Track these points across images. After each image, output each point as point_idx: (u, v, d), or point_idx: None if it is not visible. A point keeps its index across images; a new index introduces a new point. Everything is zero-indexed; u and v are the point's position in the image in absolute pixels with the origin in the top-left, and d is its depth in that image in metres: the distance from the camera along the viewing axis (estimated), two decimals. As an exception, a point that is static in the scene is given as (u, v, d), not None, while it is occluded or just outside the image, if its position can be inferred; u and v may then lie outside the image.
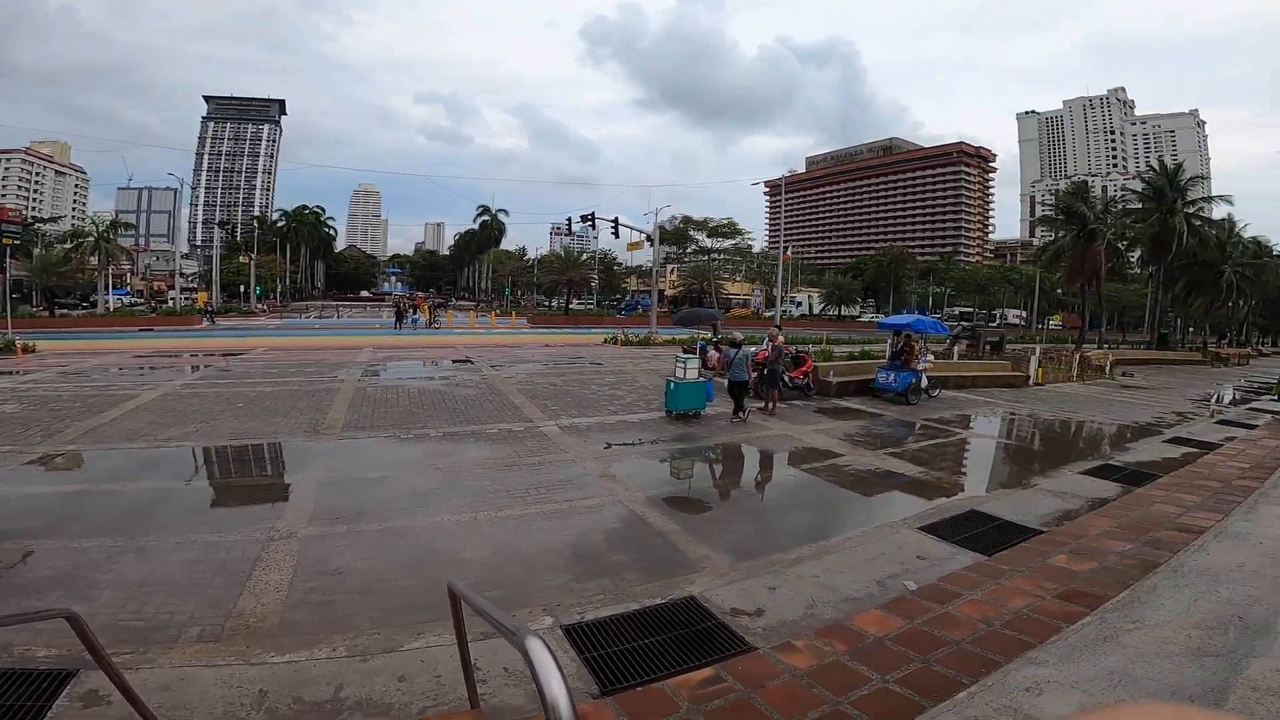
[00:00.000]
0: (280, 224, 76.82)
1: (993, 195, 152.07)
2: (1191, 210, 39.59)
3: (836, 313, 66.06)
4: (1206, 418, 13.97)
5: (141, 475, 7.11)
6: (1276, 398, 16.20)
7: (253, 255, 55.87)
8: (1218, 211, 42.45)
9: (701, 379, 11.28)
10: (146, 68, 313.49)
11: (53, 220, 69.59)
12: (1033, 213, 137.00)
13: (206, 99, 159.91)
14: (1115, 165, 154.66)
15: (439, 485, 6.90)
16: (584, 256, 62.49)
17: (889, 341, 15.16)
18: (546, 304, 64.10)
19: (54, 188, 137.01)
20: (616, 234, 31.30)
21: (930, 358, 16.07)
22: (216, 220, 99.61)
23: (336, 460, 7.86)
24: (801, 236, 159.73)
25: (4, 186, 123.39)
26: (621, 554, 5.23)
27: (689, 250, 55.81)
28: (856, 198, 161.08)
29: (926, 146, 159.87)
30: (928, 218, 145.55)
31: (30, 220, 55.27)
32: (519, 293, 70.91)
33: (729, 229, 47.94)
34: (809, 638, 3.61)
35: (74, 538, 5.13)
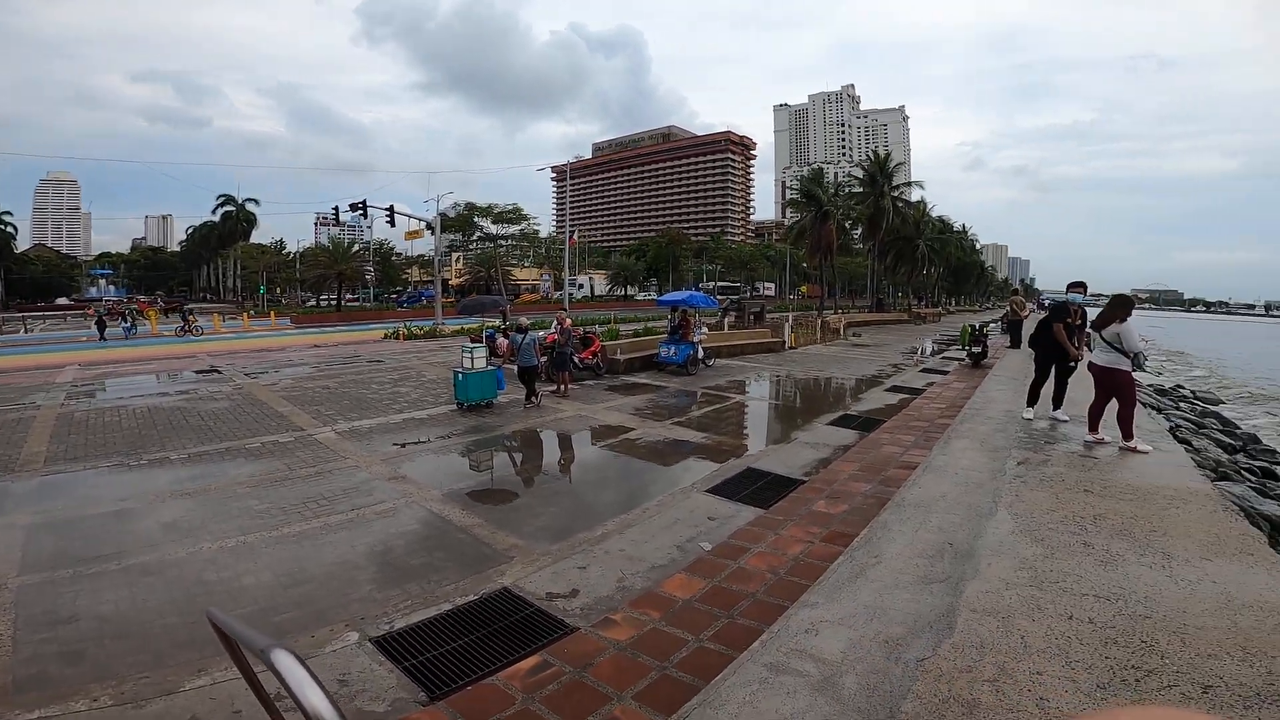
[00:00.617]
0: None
1: (753, 180, 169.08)
2: (896, 194, 47.91)
3: (623, 293, 68.85)
4: (914, 367, 17.08)
5: None
6: (962, 347, 20.34)
7: None
8: (915, 195, 52.06)
9: (491, 367, 10.92)
10: None
11: None
12: (783, 196, 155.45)
13: None
14: (844, 154, 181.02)
15: (194, 512, 5.90)
16: (355, 248, 56.96)
17: (669, 317, 16.07)
18: (313, 301, 57.50)
19: None
20: (392, 223, 28.98)
21: (705, 330, 17.39)
22: None
23: (46, 500, 6.31)
24: (589, 221, 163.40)
25: None
26: (425, 556, 4.95)
27: (474, 238, 53.65)
28: (639, 182, 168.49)
29: (700, 135, 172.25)
30: (700, 201, 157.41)
31: None
32: (278, 290, 62.58)
33: (515, 215, 46.97)
34: (626, 610, 3.74)
35: None
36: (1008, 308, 21.58)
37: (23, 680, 3.33)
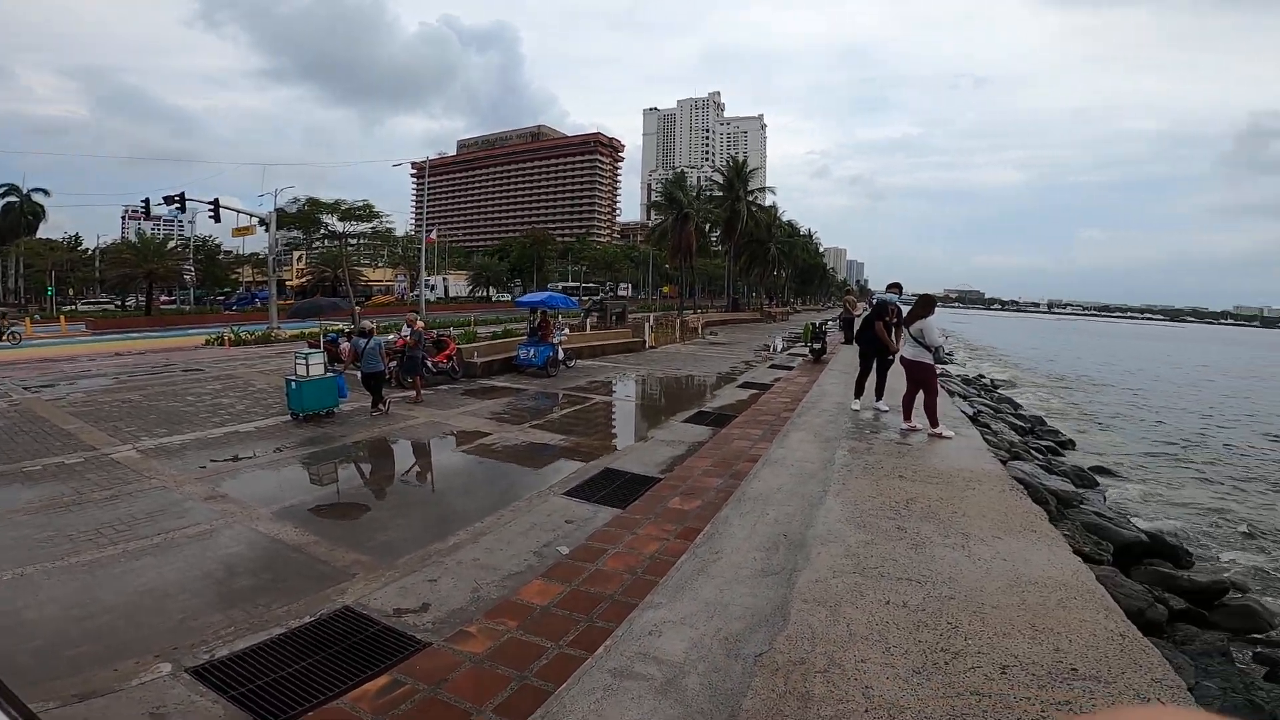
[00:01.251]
0: None
1: (620, 182, 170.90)
2: (751, 199, 50.73)
3: (484, 294, 66.82)
4: (764, 364, 18.10)
5: None
6: (804, 344, 21.90)
7: None
8: (768, 199, 55.49)
9: (331, 374, 10.09)
10: None
11: None
12: (649, 198, 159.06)
13: None
14: (708, 159, 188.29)
15: (-49, 546, 4.91)
16: (171, 245, 50.23)
17: (528, 319, 15.77)
18: (118, 304, 50.01)
19: None
20: (217, 218, 25.80)
21: (566, 331, 17.27)
22: None
23: None
24: (451, 220, 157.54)
25: None
26: (250, 579, 4.50)
27: (318, 235, 49.28)
28: (506, 181, 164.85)
29: (570, 135, 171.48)
30: (568, 201, 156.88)
31: None
32: (71, 292, 53.71)
33: (366, 212, 43.65)
34: (481, 622, 3.62)
35: None
36: (842, 307, 23.55)
37: None
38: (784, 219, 65.09)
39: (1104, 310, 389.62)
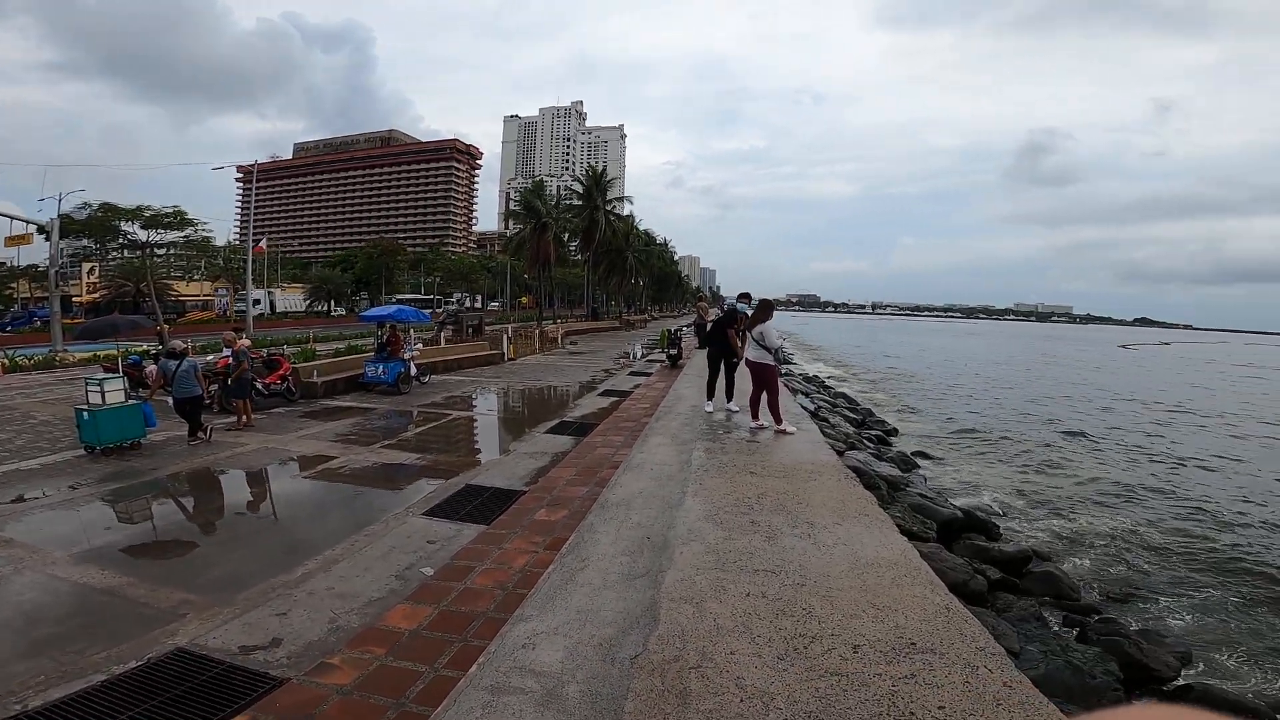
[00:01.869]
0: None
1: (478, 190, 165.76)
2: (610, 208, 51.48)
3: (325, 309, 61.67)
4: (624, 371, 18.42)
5: None
6: (662, 350, 22.58)
7: None
8: (626, 209, 56.55)
9: (135, 401, 8.85)
10: None
11: None
12: (507, 207, 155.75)
13: None
14: (568, 168, 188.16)
15: None
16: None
17: (376, 334, 14.81)
18: None
19: None
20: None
21: (419, 346, 16.43)
22: None
23: None
24: (287, 229, 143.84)
25: None
26: (55, 627, 3.97)
27: (115, 245, 42.64)
28: (352, 188, 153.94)
29: (424, 141, 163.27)
30: (421, 210, 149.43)
31: None
32: None
33: (175, 219, 38.31)
34: (345, 652, 3.45)
35: None
36: (696, 313, 24.60)
37: None
38: (641, 228, 66.80)
39: (916, 310, 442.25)
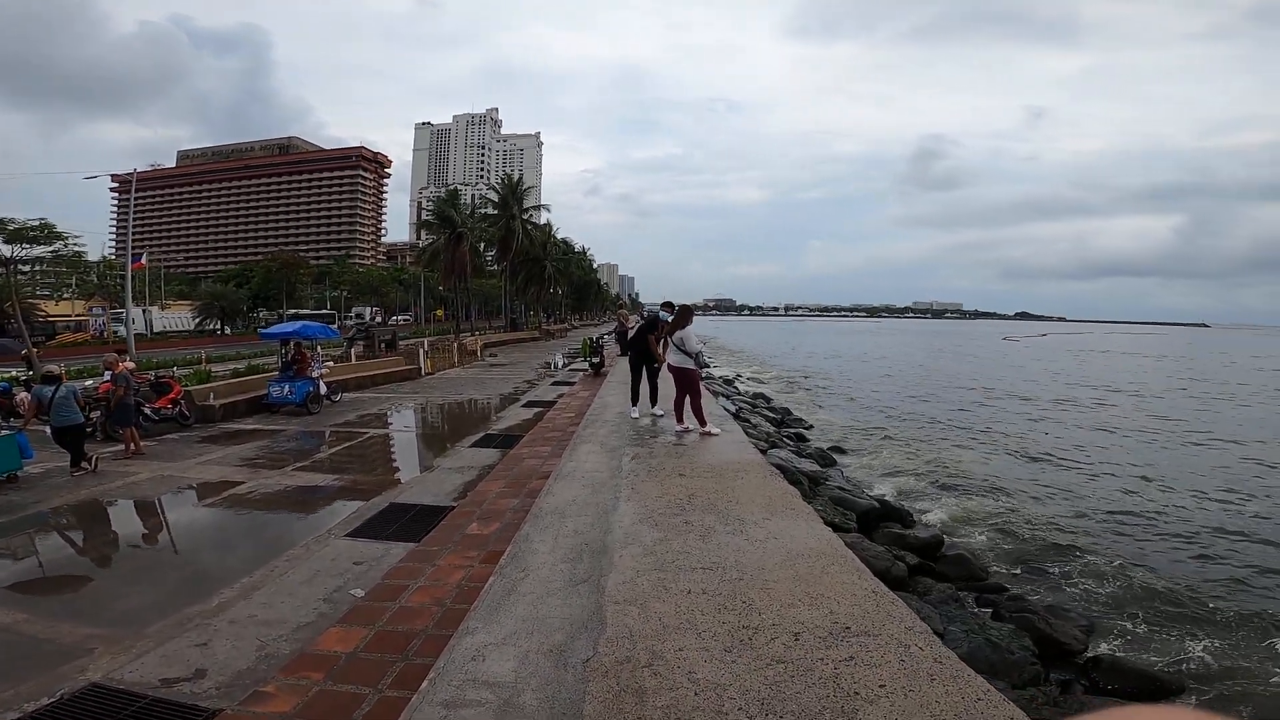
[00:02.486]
0: None
1: (387, 200, 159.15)
2: (526, 217, 50.82)
3: (217, 327, 57.41)
4: (546, 381, 18.26)
5: None
6: (584, 358, 22.55)
7: None
8: (543, 217, 56.05)
9: (7, 431, 8.05)
10: None
11: None
12: (419, 217, 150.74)
13: None
14: (483, 176, 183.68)
15: None
16: None
17: (279, 352, 13.97)
18: None
19: None
20: None
21: (329, 363, 15.65)
22: None
23: None
24: (172, 242, 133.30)
25: None
26: None
27: (-40, 260, 37.94)
28: (247, 199, 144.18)
29: (328, 149, 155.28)
30: (325, 220, 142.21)
31: None
32: None
33: (41, 232, 34.54)
34: (279, 679, 3.31)
35: None
36: (617, 320, 24.74)
37: None
38: (559, 236, 66.44)
39: (826, 310, 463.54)
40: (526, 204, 51.11)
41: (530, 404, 13.65)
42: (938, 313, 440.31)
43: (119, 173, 65.99)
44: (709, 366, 33.63)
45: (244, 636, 3.85)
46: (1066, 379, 38.09)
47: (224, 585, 4.72)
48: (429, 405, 14.63)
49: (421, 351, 20.52)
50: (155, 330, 51.34)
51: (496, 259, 54.81)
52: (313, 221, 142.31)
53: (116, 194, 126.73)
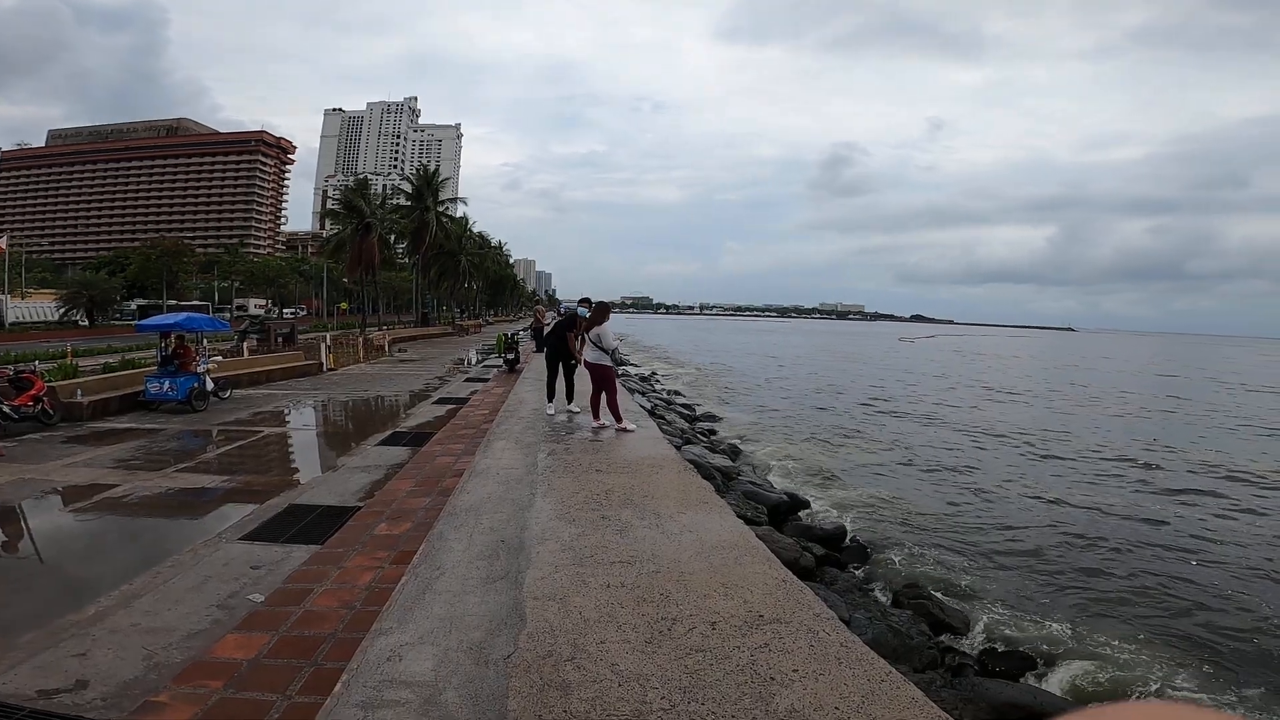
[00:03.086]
0: None
1: (288, 187, 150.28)
2: (442, 209, 49.14)
3: (86, 318, 51.89)
4: (459, 378, 17.77)
5: None
6: (499, 354, 22.11)
7: None
8: (459, 210, 54.32)
9: None
10: None
11: None
12: (324, 206, 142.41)
13: None
14: (396, 166, 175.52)
15: None
16: None
17: (158, 346, 12.82)
18: None
19: None
20: None
21: (218, 357, 14.54)
22: None
23: None
24: (37, 226, 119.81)
25: None
26: None
27: None
28: (127, 183, 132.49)
29: (223, 132, 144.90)
30: (217, 207, 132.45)
31: None
32: None
33: None
34: (172, 688, 3.10)
35: None
36: (533, 316, 24.44)
37: None
38: (475, 230, 64.74)
39: (739, 310, 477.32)
40: (443, 196, 49.55)
41: (442, 400, 13.23)
42: (842, 314, 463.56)
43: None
44: (626, 364, 33.91)
45: (128, 646, 3.55)
46: (949, 380, 41.12)
47: (101, 594, 4.32)
48: (332, 402, 13.88)
49: (323, 346, 19.42)
50: (10, 322, 45.73)
51: (408, 251, 52.79)
52: (203, 208, 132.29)
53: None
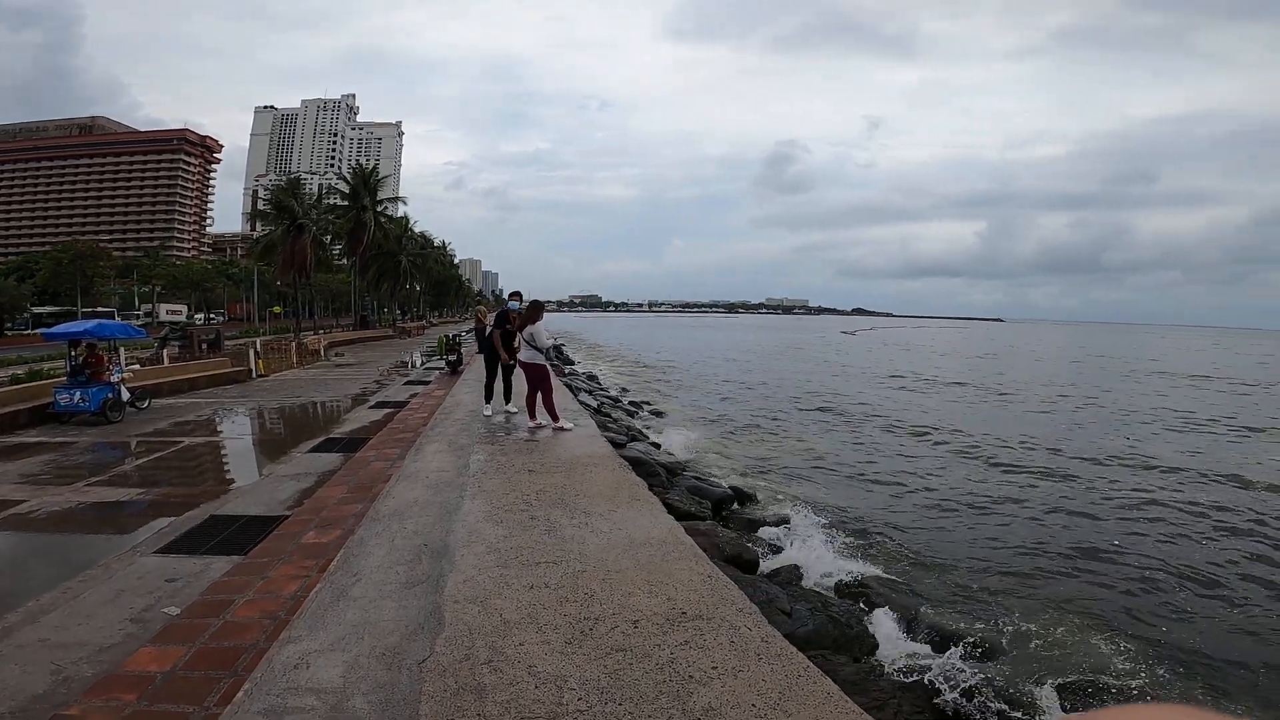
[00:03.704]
0: None
1: (214, 187, 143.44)
2: (380, 209, 47.64)
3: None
4: (399, 381, 17.36)
5: None
6: (440, 357, 21.68)
7: None
8: (399, 210, 52.76)
9: None
10: None
11: None
12: (254, 207, 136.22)
13: None
14: (333, 165, 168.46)
15: None
16: None
17: (68, 355, 12.07)
18: None
19: None
20: None
21: (134, 365, 13.78)
22: None
23: None
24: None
25: None
26: None
27: None
28: (38, 183, 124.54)
29: (142, 131, 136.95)
30: (136, 210, 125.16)
31: None
32: None
33: None
34: (83, 702, 3.03)
35: None
36: (475, 318, 24.07)
37: None
38: (417, 230, 63.03)
39: (687, 306, 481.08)
40: (381, 195, 48.10)
41: (380, 405, 12.90)
42: (787, 309, 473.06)
43: None
44: (571, 362, 33.78)
45: (34, 661, 3.40)
46: (888, 369, 42.61)
47: (4, 612, 4.11)
48: (260, 409, 13.34)
49: (252, 352, 18.63)
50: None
51: (346, 253, 51.03)
52: (121, 211, 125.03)
53: None
